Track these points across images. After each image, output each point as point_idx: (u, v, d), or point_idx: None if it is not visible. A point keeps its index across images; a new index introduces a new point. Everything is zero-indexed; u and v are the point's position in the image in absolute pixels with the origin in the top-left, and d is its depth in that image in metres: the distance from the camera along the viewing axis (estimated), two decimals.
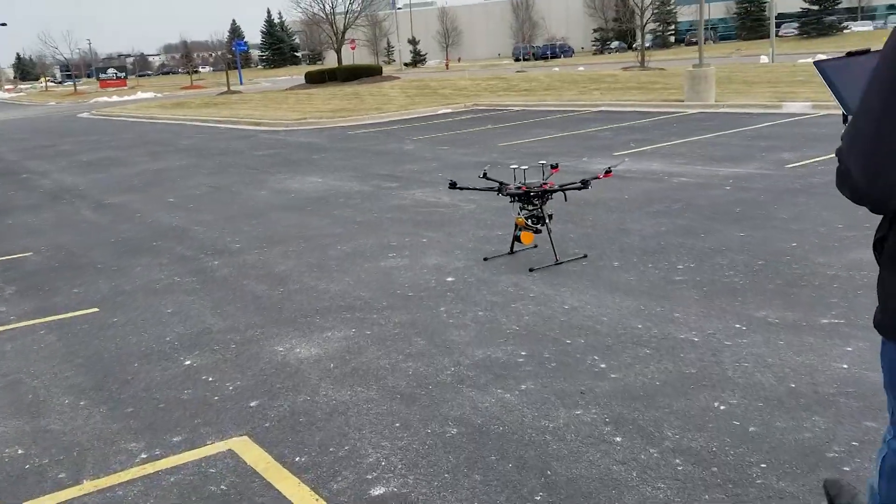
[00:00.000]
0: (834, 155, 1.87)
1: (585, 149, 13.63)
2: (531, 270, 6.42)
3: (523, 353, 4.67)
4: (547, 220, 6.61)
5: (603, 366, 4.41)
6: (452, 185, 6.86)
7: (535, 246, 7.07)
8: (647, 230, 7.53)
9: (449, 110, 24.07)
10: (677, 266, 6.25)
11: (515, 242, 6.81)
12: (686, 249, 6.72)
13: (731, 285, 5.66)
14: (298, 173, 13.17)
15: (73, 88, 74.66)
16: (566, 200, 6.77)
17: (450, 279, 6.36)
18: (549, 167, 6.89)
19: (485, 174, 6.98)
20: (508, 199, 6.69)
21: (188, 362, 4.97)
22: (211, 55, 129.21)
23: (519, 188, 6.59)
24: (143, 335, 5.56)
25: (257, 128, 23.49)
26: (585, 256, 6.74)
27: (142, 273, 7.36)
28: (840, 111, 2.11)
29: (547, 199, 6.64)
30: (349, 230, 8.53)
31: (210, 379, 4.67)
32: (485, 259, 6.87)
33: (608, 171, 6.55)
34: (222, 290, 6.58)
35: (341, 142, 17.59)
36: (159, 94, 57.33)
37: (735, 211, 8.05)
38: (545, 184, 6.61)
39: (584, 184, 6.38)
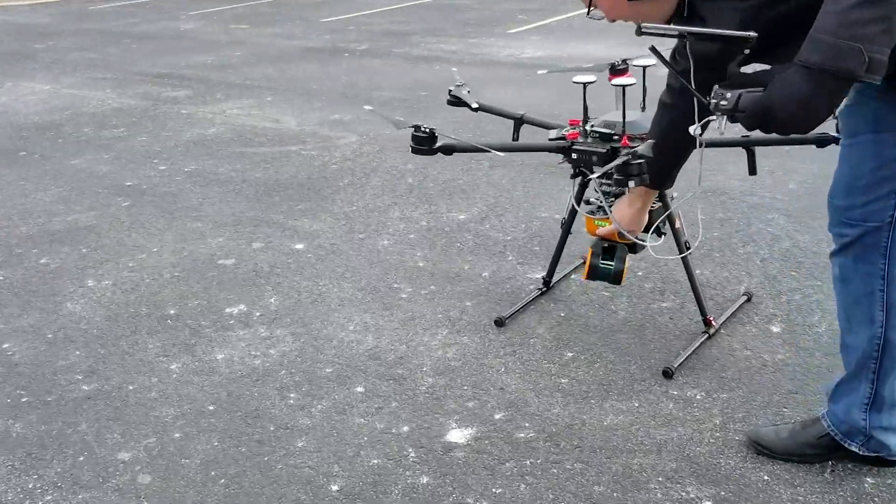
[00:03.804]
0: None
1: (459, 24, 9.36)
2: (669, 375, 2.29)
3: None
4: (677, 228, 2.46)
5: None
6: (433, 149, 2.32)
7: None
8: (795, 206, 3.59)
9: None
10: None
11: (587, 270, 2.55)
12: None
13: None
14: (10, 76, 7.80)
15: None
16: (699, 184, 2.47)
17: None
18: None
19: (462, 100, 2.64)
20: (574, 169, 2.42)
21: None
22: None
23: (612, 140, 2.31)
24: None
25: None
26: (749, 299, 2.71)
27: None
28: None
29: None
30: (107, 227, 3.85)
31: None
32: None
33: None
34: None
35: (80, 21, 11.89)
36: None
37: None
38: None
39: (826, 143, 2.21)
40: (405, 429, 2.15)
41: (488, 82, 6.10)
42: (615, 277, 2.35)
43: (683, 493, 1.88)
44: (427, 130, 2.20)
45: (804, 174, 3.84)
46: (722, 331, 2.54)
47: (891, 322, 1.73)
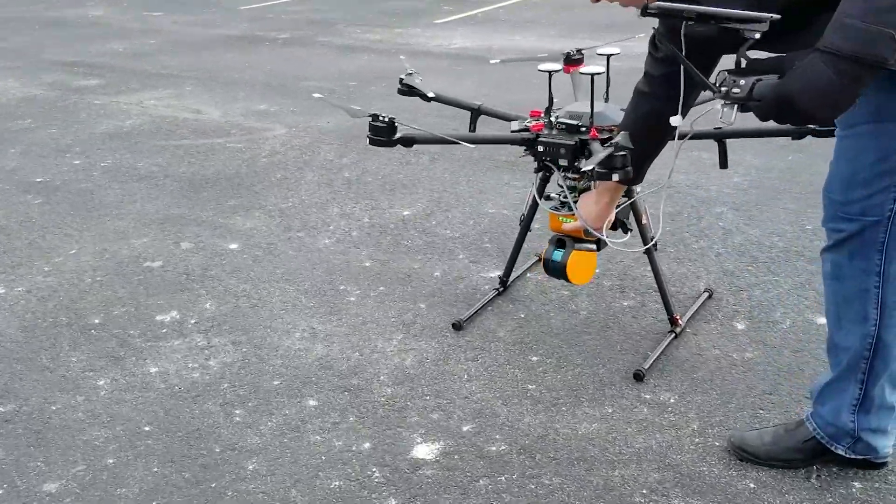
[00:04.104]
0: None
1: (382, 14, 9.15)
2: (640, 378, 2.19)
3: None
4: (644, 224, 2.37)
5: None
6: (392, 140, 2.14)
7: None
8: (743, 198, 3.55)
9: None
10: None
11: (545, 266, 2.41)
12: None
13: None
14: None
15: None
16: (669, 177, 2.39)
17: None
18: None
19: (415, 90, 2.49)
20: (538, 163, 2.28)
21: None
22: None
23: (579, 132, 2.19)
24: None
25: None
26: (711, 296, 2.64)
27: None
28: None
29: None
30: (17, 227, 3.54)
31: None
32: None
33: None
34: None
35: None
36: None
37: None
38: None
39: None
40: (366, 445, 1.98)
41: (420, 73, 5.94)
42: (561, 272, 2.20)
43: None
44: (386, 120, 2.03)
45: (747, 167, 3.81)
46: (687, 329, 2.46)
47: (884, 321, 1.66)
